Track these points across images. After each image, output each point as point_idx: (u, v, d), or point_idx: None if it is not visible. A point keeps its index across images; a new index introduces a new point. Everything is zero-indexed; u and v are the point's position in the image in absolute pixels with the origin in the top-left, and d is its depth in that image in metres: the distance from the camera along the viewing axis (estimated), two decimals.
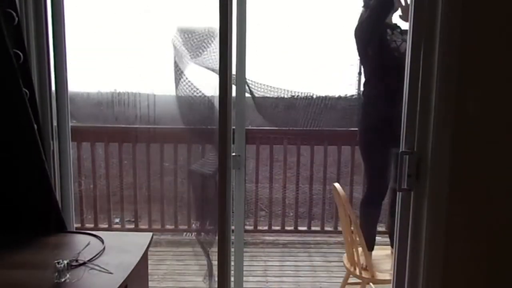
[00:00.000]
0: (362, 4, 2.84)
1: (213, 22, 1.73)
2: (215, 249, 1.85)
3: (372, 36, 2.80)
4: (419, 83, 1.49)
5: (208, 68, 2.40)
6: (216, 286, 1.78)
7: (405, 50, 1.62)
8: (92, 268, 1.44)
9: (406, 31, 2.71)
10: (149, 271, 1.76)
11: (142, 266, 1.58)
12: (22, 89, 1.62)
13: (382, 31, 2.76)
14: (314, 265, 3.57)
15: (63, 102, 1.86)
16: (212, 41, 2.39)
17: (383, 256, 2.78)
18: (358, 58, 3.06)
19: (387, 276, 2.50)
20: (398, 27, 2.78)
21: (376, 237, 2.99)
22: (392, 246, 2.78)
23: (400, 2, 2.71)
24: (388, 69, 2.76)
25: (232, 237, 1.97)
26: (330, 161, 3.90)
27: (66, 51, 1.85)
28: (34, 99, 1.70)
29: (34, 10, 1.74)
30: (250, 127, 3.70)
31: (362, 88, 3.05)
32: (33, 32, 1.75)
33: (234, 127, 1.91)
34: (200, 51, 2.48)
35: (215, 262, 1.84)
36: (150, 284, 1.81)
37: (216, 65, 1.70)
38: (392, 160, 2.78)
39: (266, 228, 3.98)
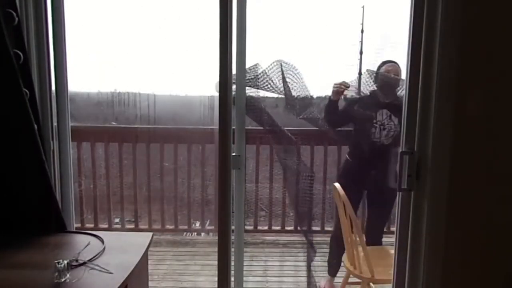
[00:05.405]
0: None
1: None
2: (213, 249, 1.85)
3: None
4: (419, 83, 1.49)
5: None
6: None
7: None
8: (92, 268, 1.44)
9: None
10: (149, 271, 1.76)
11: (142, 266, 1.58)
12: (22, 89, 1.62)
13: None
14: (314, 265, 3.56)
15: (63, 102, 1.87)
16: None
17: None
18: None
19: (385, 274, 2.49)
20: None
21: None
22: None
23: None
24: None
25: (232, 237, 1.97)
26: (330, 161, 3.89)
27: (66, 51, 1.85)
28: (34, 99, 1.70)
29: (34, 10, 1.75)
30: (250, 127, 3.69)
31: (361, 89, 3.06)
32: (33, 32, 1.75)
33: (234, 127, 1.91)
34: None
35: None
36: (150, 284, 1.81)
37: None
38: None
39: (266, 228, 3.98)
